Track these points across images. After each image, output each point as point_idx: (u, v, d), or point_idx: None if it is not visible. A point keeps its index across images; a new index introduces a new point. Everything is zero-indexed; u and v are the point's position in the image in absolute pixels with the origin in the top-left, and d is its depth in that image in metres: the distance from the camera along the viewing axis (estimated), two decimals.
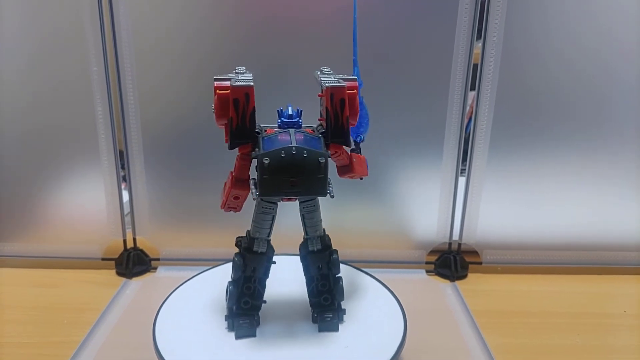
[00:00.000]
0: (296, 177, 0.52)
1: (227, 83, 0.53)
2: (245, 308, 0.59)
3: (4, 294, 0.78)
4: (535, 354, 0.66)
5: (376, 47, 0.78)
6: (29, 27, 0.76)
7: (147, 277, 0.84)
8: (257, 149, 0.53)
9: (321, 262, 0.61)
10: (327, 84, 0.55)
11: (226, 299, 0.60)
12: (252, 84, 0.53)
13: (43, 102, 0.80)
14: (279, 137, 0.54)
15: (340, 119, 0.55)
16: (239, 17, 0.77)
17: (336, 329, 0.60)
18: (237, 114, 0.53)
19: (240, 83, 0.53)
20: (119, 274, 0.84)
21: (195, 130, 0.80)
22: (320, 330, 0.60)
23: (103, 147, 0.81)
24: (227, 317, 0.60)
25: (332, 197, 0.55)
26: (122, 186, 0.84)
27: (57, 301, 0.76)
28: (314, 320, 0.61)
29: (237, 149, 0.55)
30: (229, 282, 0.60)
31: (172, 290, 0.67)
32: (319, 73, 0.59)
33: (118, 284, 0.81)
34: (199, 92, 0.78)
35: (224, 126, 0.55)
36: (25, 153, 0.82)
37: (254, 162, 0.54)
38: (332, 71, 0.60)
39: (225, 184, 0.58)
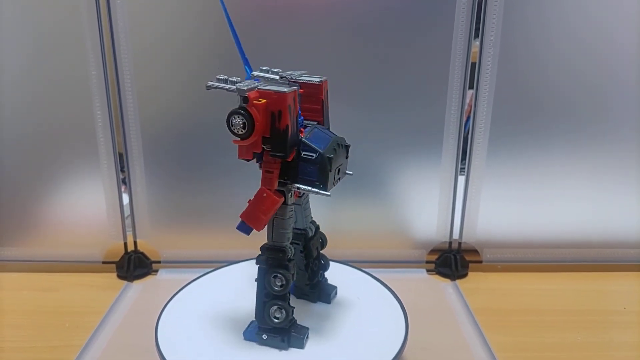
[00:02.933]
0: (340, 165, 0.55)
1: (269, 91, 0.50)
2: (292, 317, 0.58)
3: (4, 298, 0.78)
4: (536, 351, 0.67)
5: (374, 46, 0.78)
6: (26, 31, 0.76)
7: (148, 280, 0.84)
8: (303, 151, 0.53)
9: (318, 243, 0.64)
10: (315, 79, 0.56)
11: (268, 317, 0.56)
12: (295, 88, 0.52)
13: (42, 106, 0.80)
14: (316, 133, 0.55)
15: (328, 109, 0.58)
16: (238, 17, 0.77)
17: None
18: (290, 120, 0.51)
19: (282, 88, 0.51)
20: (120, 277, 0.84)
21: (196, 131, 0.80)
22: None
23: (102, 150, 0.81)
24: (281, 338, 0.57)
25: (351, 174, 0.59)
26: (122, 189, 0.84)
27: (58, 305, 0.76)
28: (315, 299, 0.65)
29: (252, 160, 0.54)
30: (271, 301, 0.56)
31: (173, 292, 0.67)
32: (266, 73, 0.56)
33: (119, 287, 0.81)
34: (199, 94, 0.78)
35: (254, 140, 0.51)
36: (25, 157, 0.82)
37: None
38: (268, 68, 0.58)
39: (256, 202, 0.53)
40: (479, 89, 0.80)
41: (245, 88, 0.49)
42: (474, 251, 0.87)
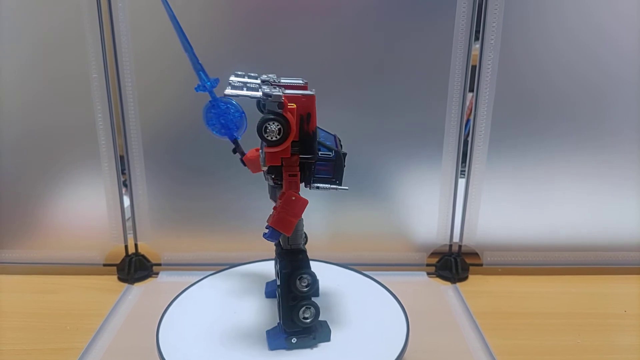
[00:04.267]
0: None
1: (297, 95, 0.51)
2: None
3: (5, 301, 0.78)
4: (536, 354, 0.67)
5: (375, 49, 0.78)
6: (27, 33, 0.76)
7: (149, 282, 0.84)
8: (320, 151, 0.53)
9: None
10: (298, 81, 0.56)
11: (298, 320, 0.56)
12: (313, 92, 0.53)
13: (43, 109, 0.80)
14: (320, 132, 0.55)
15: None
16: (238, 17, 0.77)
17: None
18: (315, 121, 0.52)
19: (306, 91, 0.52)
20: (121, 279, 0.84)
21: (197, 134, 0.80)
22: None
23: (103, 152, 0.81)
24: (311, 337, 0.57)
25: None
26: (123, 191, 0.84)
27: (59, 308, 0.76)
28: None
29: (272, 165, 0.53)
30: (299, 303, 0.56)
31: (174, 295, 0.67)
32: (243, 78, 0.56)
33: (120, 289, 0.81)
34: (200, 97, 0.78)
35: (287, 145, 0.51)
36: (26, 159, 0.82)
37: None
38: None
39: (286, 208, 0.53)
40: (479, 92, 0.80)
41: (280, 93, 0.49)
42: (475, 254, 0.87)
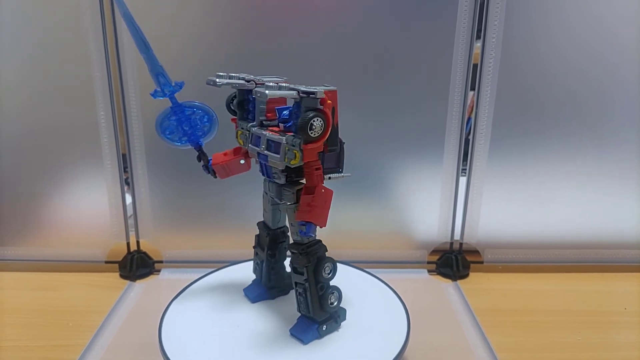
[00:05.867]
0: None
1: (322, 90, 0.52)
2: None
3: (8, 297, 0.78)
4: (537, 351, 0.67)
5: (377, 47, 0.78)
6: (29, 32, 0.77)
7: (151, 279, 0.84)
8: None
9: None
10: (279, 79, 0.57)
11: (328, 307, 0.58)
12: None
13: (46, 107, 0.80)
14: None
15: None
16: (238, 17, 0.77)
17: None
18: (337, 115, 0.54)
19: (328, 86, 0.53)
20: (123, 276, 0.84)
21: None
22: None
23: (106, 150, 0.81)
24: (334, 320, 0.60)
25: None
26: (125, 189, 0.85)
27: (61, 304, 0.77)
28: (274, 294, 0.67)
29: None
30: (325, 290, 0.58)
31: (175, 292, 0.67)
32: (227, 79, 0.57)
33: (122, 286, 0.81)
34: (202, 94, 0.78)
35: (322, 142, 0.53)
36: (28, 157, 0.82)
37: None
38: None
39: (320, 201, 0.54)
40: (481, 90, 0.80)
41: (321, 89, 0.50)
42: (475, 252, 0.87)
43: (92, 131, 0.80)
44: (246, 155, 0.61)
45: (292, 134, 0.53)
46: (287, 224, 0.61)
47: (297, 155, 0.52)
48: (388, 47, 0.78)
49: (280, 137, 0.53)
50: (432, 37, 0.78)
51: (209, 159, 0.61)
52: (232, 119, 0.61)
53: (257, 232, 0.66)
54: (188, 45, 0.78)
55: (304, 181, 0.56)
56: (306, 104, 0.51)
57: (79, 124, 0.80)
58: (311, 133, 0.50)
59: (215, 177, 0.61)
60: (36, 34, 0.77)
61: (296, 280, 0.58)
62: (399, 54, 0.78)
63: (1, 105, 0.79)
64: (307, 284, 0.57)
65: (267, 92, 0.51)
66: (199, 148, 0.60)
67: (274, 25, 0.77)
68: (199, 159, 0.61)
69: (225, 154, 0.61)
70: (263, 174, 0.59)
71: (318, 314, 0.58)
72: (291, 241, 0.59)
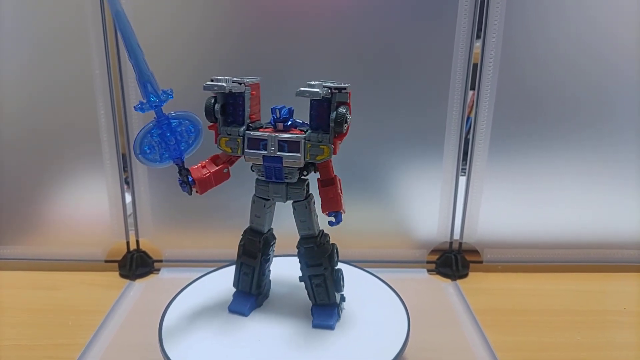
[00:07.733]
0: None
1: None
2: None
3: (7, 297, 0.78)
4: (536, 351, 0.67)
5: (376, 47, 0.78)
6: (30, 31, 0.77)
7: (150, 278, 0.84)
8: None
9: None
10: (255, 79, 0.59)
11: (341, 288, 0.61)
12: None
13: (46, 106, 0.80)
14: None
15: None
16: (238, 17, 0.78)
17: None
18: None
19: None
20: (122, 276, 0.84)
21: None
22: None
23: (106, 149, 0.81)
24: (342, 298, 0.63)
25: None
26: (125, 188, 0.85)
27: (61, 304, 0.76)
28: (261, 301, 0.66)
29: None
30: (337, 274, 0.60)
31: (175, 292, 0.67)
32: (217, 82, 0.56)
33: (121, 286, 0.81)
34: (202, 94, 0.78)
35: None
36: (28, 156, 0.82)
37: None
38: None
39: (338, 190, 0.57)
40: (481, 90, 0.80)
41: (348, 85, 0.53)
42: (475, 251, 0.87)
43: (92, 130, 0.80)
44: (229, 163, 0.58)
45: (310, 131, 0.55)
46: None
47: (326, 150, 0.53)
48: (388, 47, 0.78)
49: (298, 136, 0.54)
50: (432, 37, 0.78)
51: (189, 173, 0.57)
52: (211, 126, 0.57)
53: (241, 242, 0.63)
54: (186, 48, 0.78)
55: (306, 177, 0.57)
56: (339, 99, 0.53)
57: (79, 123, 0.80)
58: (345, 127, 0.53)
59: (191, 193, 0.57)
60: (36, 34, 0.77)
61: (313, 273, 0.59)
62: (398, 54, 0.78)
63: (1, 105, 0.79)
64: (326, 273, 0.59)
65: (319, 90, 0.52)
66: (181, 163, 0.56)
67: (274, 25, 0.77)
68: (180, 173, 0.56)
69: (203, 166, 0.57)
70: (268, 178, 0.57)
71: (334, 297, 0.60)
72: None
